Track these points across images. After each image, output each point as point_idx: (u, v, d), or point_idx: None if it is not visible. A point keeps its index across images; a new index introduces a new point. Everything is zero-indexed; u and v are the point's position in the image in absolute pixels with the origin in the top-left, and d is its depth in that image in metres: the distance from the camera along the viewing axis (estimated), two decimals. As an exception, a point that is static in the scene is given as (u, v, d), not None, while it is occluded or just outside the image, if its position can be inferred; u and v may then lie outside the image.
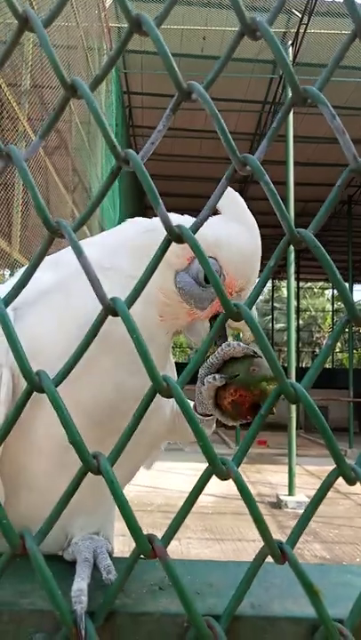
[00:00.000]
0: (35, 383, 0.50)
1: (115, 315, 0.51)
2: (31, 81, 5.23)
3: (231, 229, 0.75)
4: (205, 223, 0.76)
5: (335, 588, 0.61)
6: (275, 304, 23.55)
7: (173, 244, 0.51)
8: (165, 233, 0.51)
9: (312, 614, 0.54)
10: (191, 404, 0.85)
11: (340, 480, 0.50)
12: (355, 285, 19.17)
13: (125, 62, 8.81)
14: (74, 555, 0.65)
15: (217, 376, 0.71)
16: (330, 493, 0.50)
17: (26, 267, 0.54)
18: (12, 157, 0.53)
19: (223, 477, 0.50)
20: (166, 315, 0.73)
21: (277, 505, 6.76)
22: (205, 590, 0.57)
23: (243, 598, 0.51)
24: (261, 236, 0.79)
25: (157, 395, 0.51)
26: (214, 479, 0.49)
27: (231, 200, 0.76)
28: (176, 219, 0.74)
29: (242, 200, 0.77)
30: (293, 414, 7.20)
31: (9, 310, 0.67)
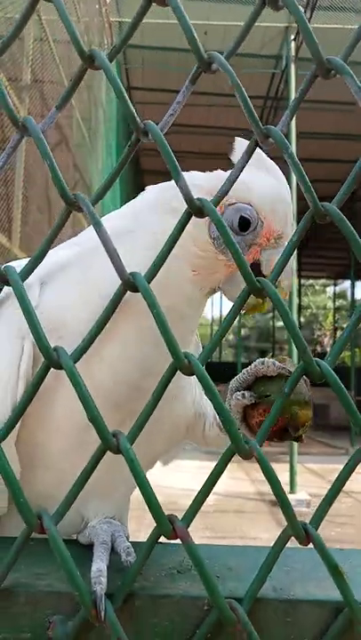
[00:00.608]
0: (52, 359, 0.49)
1: (134, 290, 0.50)
2: (32, 76, 5.20)
3: (260, 174, 0.72)
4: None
5: (355, 570, 0.60)
6: (276, 301, 23.48)
7: (206, 194, 0.49)
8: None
9: (335, 597, 0.53)
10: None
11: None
12: (357, 282, 19.21)
13: (126, 57, 8.77)
14: (90, 537, 0.64)
15: (246, 394, 0.68)
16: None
17: (43, 240, 0.53)
18: (29, 128, 0.51)
19: (246, 456, 0.49)
20: (201, 269, 0.69)
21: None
22: (225, 574, 0.56)
23: (265, 581, 0.50)
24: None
25: (178, 374, 0.50)
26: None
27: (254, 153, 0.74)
28: (206, 176, 0.71)
29: (263, 154, 0.74)
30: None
31: (35, 282, 0.66)
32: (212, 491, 0.48)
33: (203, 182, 0.69)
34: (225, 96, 8.26)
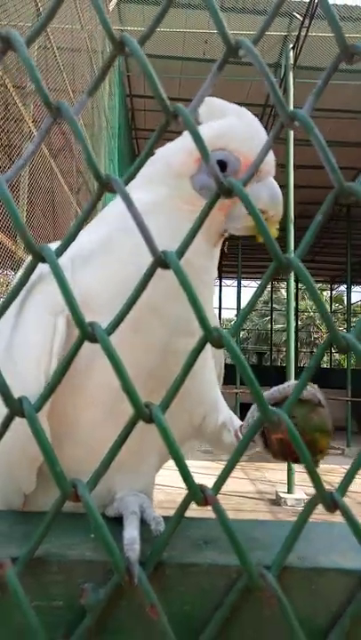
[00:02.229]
0: (87, 333, 0.51)
1: (166, 267, 0.52)
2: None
3: (224, 119, 0.74)
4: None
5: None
6: (273, 305, 23.68)
7: (182, 152, 0.50)
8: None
9: (360, 567, 0.55)
10: (239, 422, 0.86)
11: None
12: (354, 287, 19.27)
13: (128, 65, 8.87)
14: (119, 510, 0.65)
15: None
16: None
17: (74, 222, 0.55)
18: (62, 111, 0.53)
19: (275, 425, 0.50)
20: None
21: (277, 502, 6.78)
22: (251, 544, 0.57)
23: (292, 549, 0.51)
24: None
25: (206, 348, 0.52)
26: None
27: (211, 104, 0.75)
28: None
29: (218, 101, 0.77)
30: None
31: (67, 263, 0.68)
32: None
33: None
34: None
